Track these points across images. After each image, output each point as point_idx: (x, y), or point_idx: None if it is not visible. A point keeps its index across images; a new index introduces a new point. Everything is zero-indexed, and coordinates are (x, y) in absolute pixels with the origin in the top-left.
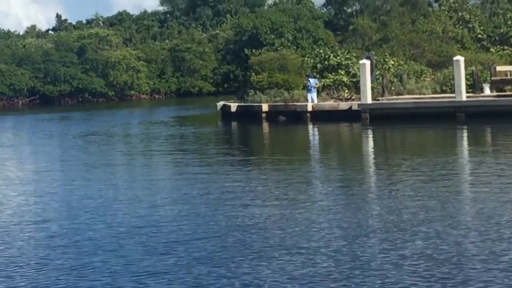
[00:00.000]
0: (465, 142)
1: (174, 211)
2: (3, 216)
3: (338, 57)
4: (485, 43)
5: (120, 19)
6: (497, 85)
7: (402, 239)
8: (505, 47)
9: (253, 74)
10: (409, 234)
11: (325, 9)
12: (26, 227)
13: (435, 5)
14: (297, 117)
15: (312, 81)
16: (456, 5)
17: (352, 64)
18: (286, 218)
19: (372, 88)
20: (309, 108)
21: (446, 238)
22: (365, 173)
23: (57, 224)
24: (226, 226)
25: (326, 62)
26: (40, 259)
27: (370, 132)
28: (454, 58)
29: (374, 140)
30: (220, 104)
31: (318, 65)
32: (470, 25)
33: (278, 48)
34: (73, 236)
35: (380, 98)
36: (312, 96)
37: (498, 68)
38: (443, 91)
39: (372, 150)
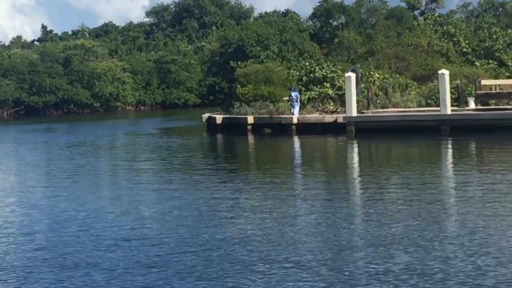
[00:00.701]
0: (449, 156)
1: (159, 224)
2: None
3: (323, 70)
4: (470, 56)
5: (106, 31)
6: (481, 99)
7: (386, 253)
8: (490, 61)
9: (238, 86)
10: (393, 248)
11: (310, 22)
12: (11, 239)
13: (421, 18)
14: (282, 129)
15: (293, 94)
16: (441, 19)
17: (337, 77)
18: (270, 232)
19: (357, 101)
20: (294, 121)
21: (431, 253)
22: (349, 186)
23: (41, 236)
24: (210, 240)
25: (311, 75)
26: (23, 271)
27: (355, 145)
28: (439, 72)
29: (359, 153)
30: (205, 116)
31: (304, 78)
32: (455, 39)
33: (264, 61)
34: (57, 249)
35: (365, 111)
36: (294, 109)
37: (483, 82)
38: (428, 105)
39: (357, 163)
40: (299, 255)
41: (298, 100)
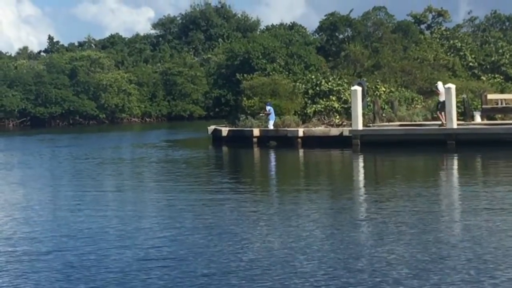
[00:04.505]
0: (455, 171)
1: (179, 244)
2: None
3: (329, 83)
4: (476, 71)
5: (112, 42)
6: (488, 113)
7: (391, 275)
8: (496, 75)
9: (244, 98)
10: (397, 270)
11: (317, 35)
12: (33, 257)
13: (427, 32)
14: (288, 142)
15: (268, 108)
16: (448, 33)
17: (343, 90)
18: (272, 253)
19: (363, 115)
20: (300, 134)
21: (435, 277)
22: (354, 201)
23: (61, 255)
24: (225, 261)
25: (317, 88)
26: None
27: (360, 158)
28: (445, 86)
29: (364, 167)
30: (211, 128)
31: (310, 91)
32: (461, 53)
33: (270, 73)
34: (61, 268)
35: (371, 125)
36: (270, 121)
37: (489, 96)
38: (434, 119)
39: (362, 177)
40: (299, 278)
41: (272, 113)
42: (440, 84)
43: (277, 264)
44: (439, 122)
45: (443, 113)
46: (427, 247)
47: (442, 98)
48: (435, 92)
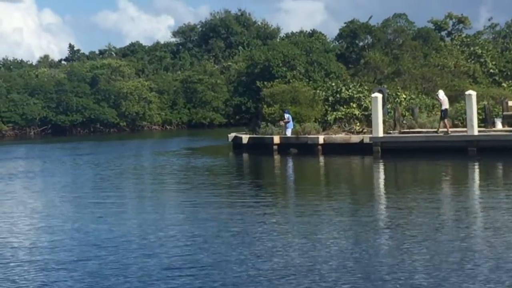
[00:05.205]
0: (476, 178)
1: (187, 253)
2: (13, 255)
3: (350, 90)
4: (497, 77)
5: (132, 50)
6: (509, 120)
7: (412, 284)
8: None
9: (264, 106)
10: (419, 279)
11: (337, 43)
12: (59, 266)
13: (447, 39)
14: (309, 149)
15: (286, 116)
16: (468, 39)
17: (364, 97)
18: (294, 262)
19: (384, 122)
20: (321, 141)
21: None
22: (376, 209)
23: (68, 265)
24: (232, 271)
25: (338, 95)
26: None
27: (381, 165)
28: (466, 93)
29: (385, 174)
30: (231, 135)
31: (330, 98)
32: (482, 60)
33: (290, 81)
34: (82, 278)
35: (391, 132)
36: (288, 129)
37: (510, 103)
38: (455, 126)
39: (384, 184)
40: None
41: (291, 121)
42: (441, 93)
43: (299, 272)
44: (462, 129)
45: (445, 120)
46: (449, 255)
47: (444, 106)
48: (437, 101)
